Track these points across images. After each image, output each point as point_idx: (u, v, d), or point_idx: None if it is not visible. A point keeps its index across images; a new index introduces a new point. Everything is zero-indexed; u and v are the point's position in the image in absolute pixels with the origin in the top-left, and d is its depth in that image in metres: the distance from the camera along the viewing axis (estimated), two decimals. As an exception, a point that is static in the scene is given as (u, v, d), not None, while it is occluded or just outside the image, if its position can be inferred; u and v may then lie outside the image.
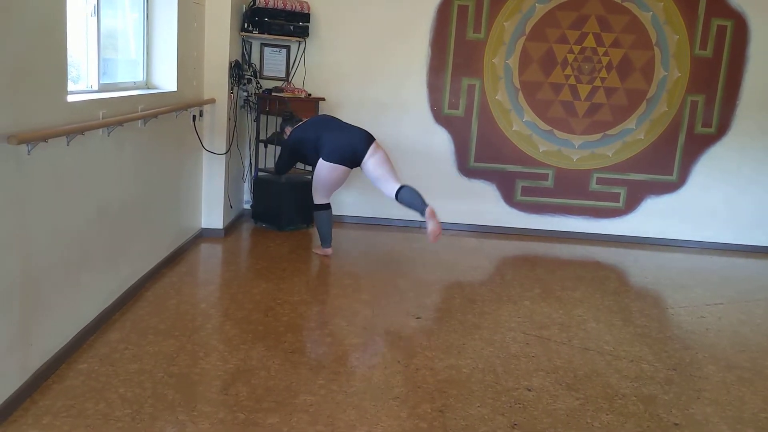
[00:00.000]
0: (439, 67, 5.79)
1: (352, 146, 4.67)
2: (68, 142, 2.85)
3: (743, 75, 5.75)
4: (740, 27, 5.67)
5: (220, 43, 5.00)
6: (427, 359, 3.30)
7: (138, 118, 3.61)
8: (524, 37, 5.73)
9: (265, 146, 5.76)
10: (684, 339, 3.83)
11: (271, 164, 5.87)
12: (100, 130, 3.20)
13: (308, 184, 5.71)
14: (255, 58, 5.77)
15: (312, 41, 5.74)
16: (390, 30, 5.73)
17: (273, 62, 5.83)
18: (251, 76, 5.63)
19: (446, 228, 6.04)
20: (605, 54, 5.74)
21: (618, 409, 2.93)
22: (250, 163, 5.90)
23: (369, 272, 4.66)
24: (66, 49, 2.81)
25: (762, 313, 4.39)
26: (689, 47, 5.72)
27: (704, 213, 5.99)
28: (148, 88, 4.32)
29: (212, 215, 5.21)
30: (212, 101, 5.01)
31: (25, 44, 2.49)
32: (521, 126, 5.89)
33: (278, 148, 5.73)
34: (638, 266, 5.38)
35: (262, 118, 5.70)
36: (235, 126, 5.35)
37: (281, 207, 5.57)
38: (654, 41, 5.71)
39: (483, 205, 6.03)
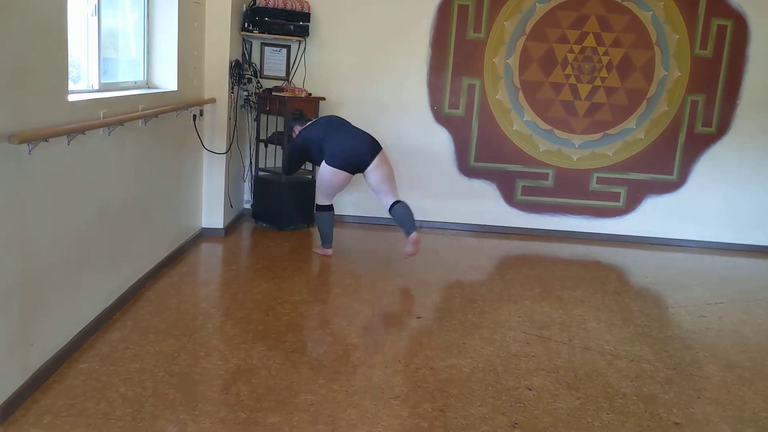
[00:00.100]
0: (439, 66, 5.79)
1: (355, 153, 4.64)
2: (69, 142, 2.85)
3: (743, 75, 5.75)
4: (740, 27, 5.67)
5: (220, 42, 5.00)
6: (428, 359, 3.30)
7: (138, 118, 3.61)
8: (524, 36, 5.73)
9: (266, 146, 5.76)
10: (684, 338, 3.83)
11: (271, 164, 5.87)
12: (101, 129, 3.21)
13: (308, 184, 5.72)
14: (255, 58, 5.77)
15: (312, 41, 5.74)
16: (390, 29, 5.73)
17: (273, 62, 5.83)
18: (251, 75, 5.63)
19: (446, 228, 6.07)
20: (605, 53, 5.74)
21: (618, 409, 2.93)
22: (251, 162, 5.90)
23: (369, 272, 4.66)
24: (67, 48, 2.81)
25: (763, 313, 4.39)
26: (689, 47, 5.73)
27: (704, 212, 5.99)
28: (148, 87, 4.33)
29: (213, 215, 5.21)
30: (213, 101, 5.01)
31: (25, 44, 2.49)
32: (521, 125, 5.89)
33: (278, 148, 5.74)
34: (638, 266, 5.38)
35: (263, 117, 5.70)
36: (236, 125, 5.35)
37: (281, 207, 5.57)
38: (654, 41, 5.71)
39: (483, 204, 6.03)
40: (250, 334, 3.43)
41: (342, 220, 5.94)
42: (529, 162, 5.96)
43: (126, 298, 3.69)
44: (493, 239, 5.89)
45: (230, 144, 5.20)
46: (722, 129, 5.86)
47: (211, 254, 4.91)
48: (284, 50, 5.81)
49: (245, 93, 5.61)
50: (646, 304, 4.40)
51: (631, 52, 5.73)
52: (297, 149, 4.87)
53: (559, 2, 5.65)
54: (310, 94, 5.63)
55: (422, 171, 5.88)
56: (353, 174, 4.72)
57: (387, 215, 4.81)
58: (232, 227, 5.50)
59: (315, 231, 5.55)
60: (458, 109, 5.87)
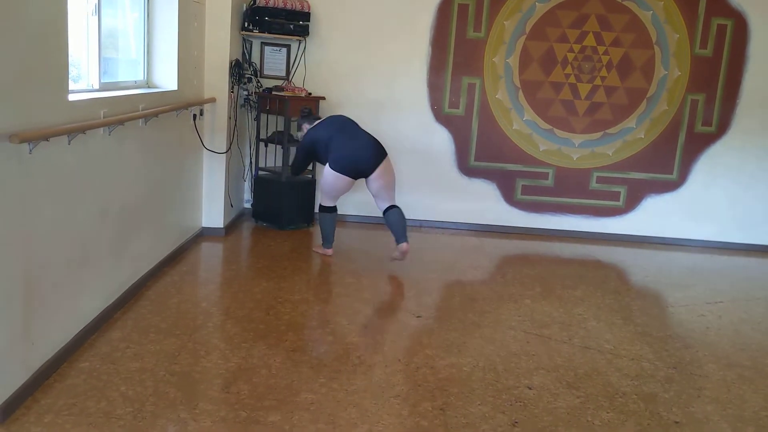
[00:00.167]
0: (439, 66, 5.79)
1: (358, 160, 4.60)
2: (69, 141, 2.85)
3: (743, 74, 5.75)
4: (740, 26, 5.67)
5: (220, 42, 5.00)
6: (428, 358, 3.30)
7: (139, 117, 3.61)
8: (524, 36, 5.73)
9: (266, 145, 5.77)
10: (684, 337, 3.84)
11: (271, 163, 5.88)
12: (101, 129, 3.21)
13: (308, 184, 5.73)
14: (255, 57, 5.77)
15: (312, 40, 5.74)
16: (390, 29, 5.73)
17: (273, 61, 5.84)
18: (251, 75, 5.63)
19: (447, 227, 6.07)
20: (605, 53, 5.74)
21: (618, 408, 2.93)
22: (251, 162, 5.91)
23: (370, 271, 4.66)
24: (67, 48, 2.82)
25: (763, 312, 4.40)
26: (689, 46, 5.73)
27: (704, 212, 6.00)
28: (148, 87, 4.33)
29: (213, 214, 5.21)
30: (213, 100, 5.02)
31: (26, 43, 2.49)
32: (521, 125, 5.89)
33: (278, 147, 5.74)
34: (638, 265, 5.38)
35: (263, 117, 5.70)
36: (236, 125, 5.35)
37: (282, 206, 5.57)
38: (654, 40, 5.72)
39: (483, 204, 6.03)
40: (250, 333, 3.43)
41: (343, 219, 5.94)
42: (529, 161, 5.96)
43: (126, 297, 3.69)
44: (494, 238, 5.89)
45: (230, 143, 5.21)
46: (722, 128, 5.86)
47: (211, 253, 4.92)
48: (284, 50, 5.82)
49: (245, 92, 5.62)
50: (646, 303, 4.40)
51: (631, 51, 5.73)
52: (304, 150, 4.83)
53: (559, 2, 5.66)
54: (310, 94, 5.63)
55: (422, 170, 5.88)
56: (356, 179, 4.71)
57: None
58: (232, 227, 5.50)
59: (315, 230, 5.55)
60: (458, 108, 5.87)
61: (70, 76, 2.90)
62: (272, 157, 5.89)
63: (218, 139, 5.11)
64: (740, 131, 5.84)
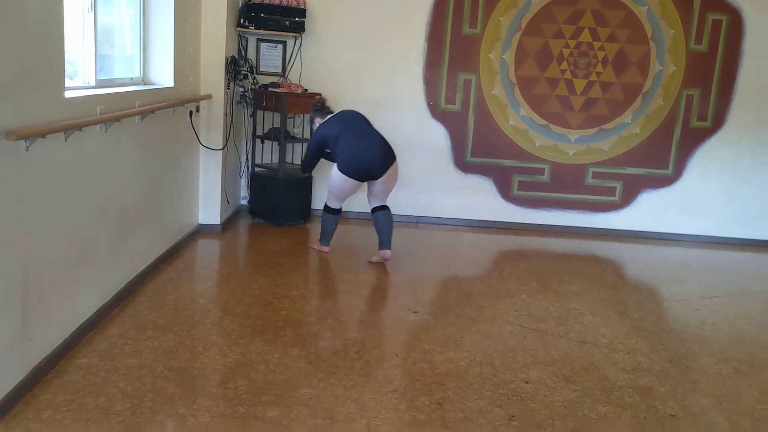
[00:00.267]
0: (435, 62, 5.80)
1: (366, 164, 4.51)
2: (66, 138, 2.85)
3: (738, 69, 5.77)
4: (735, 21, 5.68)
5: (216, 38, 5.00)
6: (425, 353, 3.32)
7: (135, 114, 3.61)
8: (520, 32, 5.74)
9: (262, 142, 5.76)
10: (680, 332, 3.86)
11: (267, 160, 5.88)
12: (98, 125, 3.20)
13: (305, 181, 5.73)
14: (251, 54, 5.77)
15: (308, 36, 5.74)
16: (386, 25, 5.73)
17: (269, 58, 5.83)
18: (247, 71, 5.63)
19: (443, 223, 6.08)
20: (601, 48, 5.75)
21: (615, 401, 2.95)
22: (247, 158, 5.90)
23: (367, 267, 4.67)
24: (63, 45, 2.82)
25: (758, 306, 4.42)
26: (684, 41, 5.74)
27: (700, 206, 6.02)
28: (144, 84, 4.32)
29: (209, 211, 5.21)
30: (209, 97, 5.01)
31: (22, 40, 2.49)
32: (517, 121, 5.90)
33: (275, 144, 5.74)
34: (634, 260, 5.40)
35: (259, 113, 5.70)
36: (232, 121, 5.35)
37: (278, 203, 5.57)
38: (649, 36, 5.73)
39: (479, 199, 6.04)
40: (248, 329, 3.44)
41: (345, 216, 5.93)
42: (525, 157, 5.97)
43: (124, 294, 3.69)
44: (490, 234, 5.90)
45: (227, 140, 5.21)
46: (717, 123, 5.88)
47: (208, 250, 4.92)
48: (280, 46, 5.81)
49: (241, 89, 5.61)
50: (642, 298, 4.42)
51: (627, 47, 5.74)
52: (315, 146, 4.73)
53: (554, -3, 5.67)
54: (306, 90, 5.62)
55: (419, 166, 5.89)
56: (363, 182, 4.65)
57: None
58: (229, 223, 5.50)
59: (312, 227, 5.56)
60: (454, 104, 5.87)
61: (66, 73, 2.90)
62: (269, 154, 5.89)
63: (214, 136, 5.11)
64: (735, 126, 5.86)
